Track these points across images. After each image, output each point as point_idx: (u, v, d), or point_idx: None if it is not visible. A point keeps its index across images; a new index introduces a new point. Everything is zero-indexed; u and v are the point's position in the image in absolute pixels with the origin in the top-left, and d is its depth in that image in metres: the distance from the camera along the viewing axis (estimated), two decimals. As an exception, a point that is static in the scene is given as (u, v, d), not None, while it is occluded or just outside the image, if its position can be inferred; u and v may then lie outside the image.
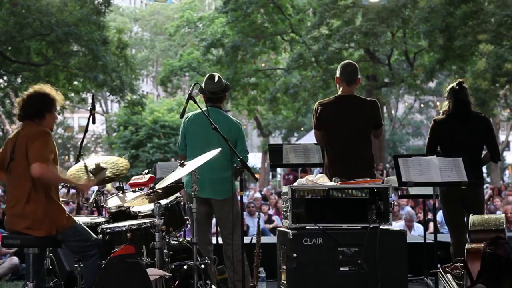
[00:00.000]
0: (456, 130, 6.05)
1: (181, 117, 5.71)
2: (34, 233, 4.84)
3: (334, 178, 5.19)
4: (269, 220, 13.28)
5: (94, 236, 5.10)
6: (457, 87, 6.11)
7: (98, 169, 5.71)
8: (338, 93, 5.92)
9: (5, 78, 20.57)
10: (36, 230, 4.84)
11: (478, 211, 5.86)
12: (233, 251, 5.84)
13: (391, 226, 5.09)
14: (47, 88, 5.06)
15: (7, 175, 5.01)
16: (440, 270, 5.15)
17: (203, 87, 6.00)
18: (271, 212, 14.37)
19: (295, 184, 5.18)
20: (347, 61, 6.12)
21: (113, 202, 5.80)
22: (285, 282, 5.00)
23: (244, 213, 11.54)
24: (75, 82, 22.01)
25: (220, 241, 6.29)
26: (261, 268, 6.92)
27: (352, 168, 5.60)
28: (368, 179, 5.27)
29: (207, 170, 5.63)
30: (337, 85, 5.96)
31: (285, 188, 5.14)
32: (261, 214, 11.97)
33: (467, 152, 5.73)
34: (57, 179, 4.94)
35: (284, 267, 5.02)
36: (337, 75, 5.92)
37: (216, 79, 6.01)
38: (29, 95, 5.03)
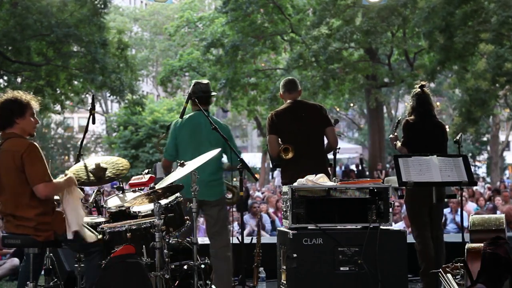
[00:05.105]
0: (420, 133, 6.14)
1: (181, 117, 5.70)
2: (33, 237, 4.85)
3: (334, 178, 5.19)
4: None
5: (95, 233, 5.09)
6: (420, 91, 6.23)
7: (98, 169, 5.71)
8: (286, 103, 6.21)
9: (5, 78, 20.52)
10: (35, 236, 4.84)
11: (439, 204, 6.02)
12: (218, 248, 5.89)
13: (391, 226, 5.10)
14: (17, 94, 4.94)
15: None
16: (440, 270, 5.15)
17: (191, 92, 5.95)
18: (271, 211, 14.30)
19: (295, 184, 5.18)
20: None
21: (113, 202, 5.80)
22: (285, 282, 5.00)
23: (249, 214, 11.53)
24: (75, 83, 21.97)
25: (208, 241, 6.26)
26: (261, 268, 6.93)
27: (308, 168, 5.57)
28: (368, 179, 5.28)
29: (198, 172, 5.63)
30: (283, 100, 6.28)
31: (285, 188, 5.14)
32: (262, 214, 11.97)
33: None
34: (60, 189, 4.89)
35: (284, 267, 5.02)
36: (280, 92, 6.29)
37: (206, 81, 6.17)
38: None
